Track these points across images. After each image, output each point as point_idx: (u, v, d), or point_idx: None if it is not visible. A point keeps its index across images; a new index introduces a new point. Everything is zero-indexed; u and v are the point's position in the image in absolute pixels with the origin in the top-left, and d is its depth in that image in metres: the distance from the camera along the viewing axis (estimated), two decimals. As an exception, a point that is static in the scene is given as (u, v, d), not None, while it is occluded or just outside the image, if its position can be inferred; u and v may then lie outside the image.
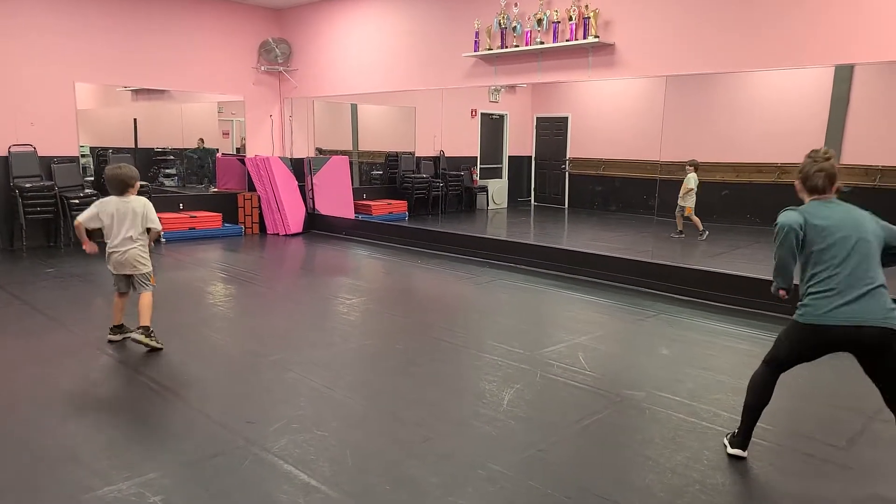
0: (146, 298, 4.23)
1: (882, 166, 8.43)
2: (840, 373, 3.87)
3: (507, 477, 2.72)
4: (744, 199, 9.72)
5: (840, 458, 2.95)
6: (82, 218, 4.25)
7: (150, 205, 4.29)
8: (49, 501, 2.49)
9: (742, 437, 2.94)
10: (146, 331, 4.15)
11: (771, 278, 2.84)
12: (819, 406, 3.58)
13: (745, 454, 2.92)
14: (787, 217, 2.72)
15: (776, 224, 2.73)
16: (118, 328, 4.38)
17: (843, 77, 9.02)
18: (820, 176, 2.73)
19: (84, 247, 4.33)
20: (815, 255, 2.67)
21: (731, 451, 2.95)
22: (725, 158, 9.63)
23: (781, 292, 2.82)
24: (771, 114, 9.70)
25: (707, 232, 8.77)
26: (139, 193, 4.36)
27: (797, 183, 2.83)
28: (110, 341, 4.36)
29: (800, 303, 2.72)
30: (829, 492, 2.68)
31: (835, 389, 3.77)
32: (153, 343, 4.16)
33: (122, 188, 4.20)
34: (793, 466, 2.89)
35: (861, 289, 2.57)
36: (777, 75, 8.84)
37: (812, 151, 2.81)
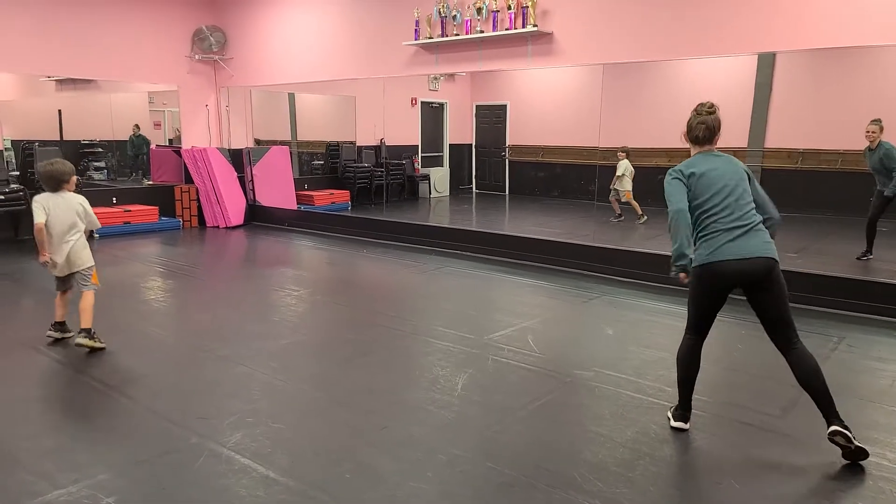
0: (87, 299, 4.07)
1: (803, 149, 8.89)
2: (768, 346, 4.10)
3: (465, 460, 2.78)
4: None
5: (777, 426, 3.14)
6: (41, 219, 3.95)
7: (87, 202, 4.12)
8: (-7, 509, 2.39)
9: (682, 410, 3.09)
10: (88, 333, 4.00)
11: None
12: (752, 378, 3.78)
13: (687, 426, 3.07)
14: (669, 171, 2.97)
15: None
16: (59, 325, 4.20)
17: (766, 64, 9.46)
18: (701, 128, 2.96)
19: (42, 258, 4.01)
20: (702, 203, 2.89)
21: (673, 424, 3.09)
22: (659, 144, 9.95)
23: (682, 276, 2.94)
24: (700, 100, 10.04)
25: (646, 217, 9.05)
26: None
27: (683, 134, 3.05)
28: (49, 338, 4.18)
29: (693, 251, 2.91)
30: (770, 458, 2.84)
31: (765, 362, 3.97)
32: (96, 345, 4.01)
33: (55, 184, 4.02)
34: (733, 436, 3.05)
35: (743, 228, 2.82)
36: (705, 63, 9.18)
37: (698, 105, 3.02)
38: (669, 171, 2.96)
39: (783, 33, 5.23)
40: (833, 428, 2.71)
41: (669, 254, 2.94)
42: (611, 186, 9.21)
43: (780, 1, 5.20)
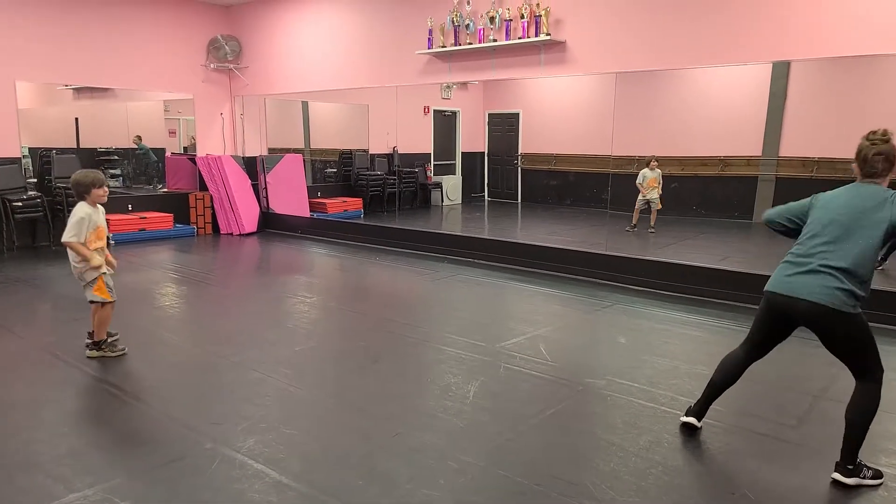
0: (97, 312, 4.06)
1: (818, 158, 8.83)
2: (785, 356, 4.07)
3: (477, 467, 2.78)
4: (690, 191, 10.04)
5: (792, 437, 3.11)
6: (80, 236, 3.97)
7: (77, 212, 3.94)
8: (11, 512, 2.42)
9: (699, 408, 3.07)
10: (96, 345, 4.05)
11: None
12: (767, 388, 3.75)
13: (698, 425, 3.05)
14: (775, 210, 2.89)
15: None
16: (90, 335, 4.21)
17: (781, 73, 9.42)
18: (878, 160, 2.63)
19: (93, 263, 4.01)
20: (805, 227, 2.75)
21: (684, 418, 3.08)
22: (672, 152, 9.92)
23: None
24: (714, 109, 10.04)
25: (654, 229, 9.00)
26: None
27: (854, 166, 2.73)
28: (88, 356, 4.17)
29: None
30: (785, 468, 2.82)
31: (780, 372, 3.95)
32: (106, 354, 4.04)
33: (76, 194, 4.05)
34: (748, 446, 3.03)
35: (809, 266, 2.62)
36: (719, 72, 9.17)
37: (869, 133, 2.68)
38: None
39: (798, 42, 5.22)
40: (833, 475, 2.67)
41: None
42: (646, 196, 9.03)
43: (796, 9, 5.19)
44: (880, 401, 2.65)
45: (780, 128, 9.47)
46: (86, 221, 3.94)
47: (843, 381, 2.87)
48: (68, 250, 3.99)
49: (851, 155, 2.76)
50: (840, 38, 5.02)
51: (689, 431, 3.08)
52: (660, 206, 8.99)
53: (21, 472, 2.70)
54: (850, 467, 2.65)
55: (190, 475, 2.69)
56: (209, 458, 2.82)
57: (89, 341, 4.09)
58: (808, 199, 2.81)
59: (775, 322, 2.81)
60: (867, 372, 2.66)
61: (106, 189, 4.07)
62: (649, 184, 8.96)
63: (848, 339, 2.63)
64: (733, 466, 2.85)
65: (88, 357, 4.04)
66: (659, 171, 8.98)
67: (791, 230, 2.83)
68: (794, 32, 5.22)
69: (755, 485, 2.66)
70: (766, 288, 2.78)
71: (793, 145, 9.31)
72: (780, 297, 2.69)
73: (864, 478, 2.65)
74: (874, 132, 2.68)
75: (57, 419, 3.28)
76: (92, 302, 4.07)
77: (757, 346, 2.93)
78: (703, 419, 3.11)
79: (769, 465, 2.84)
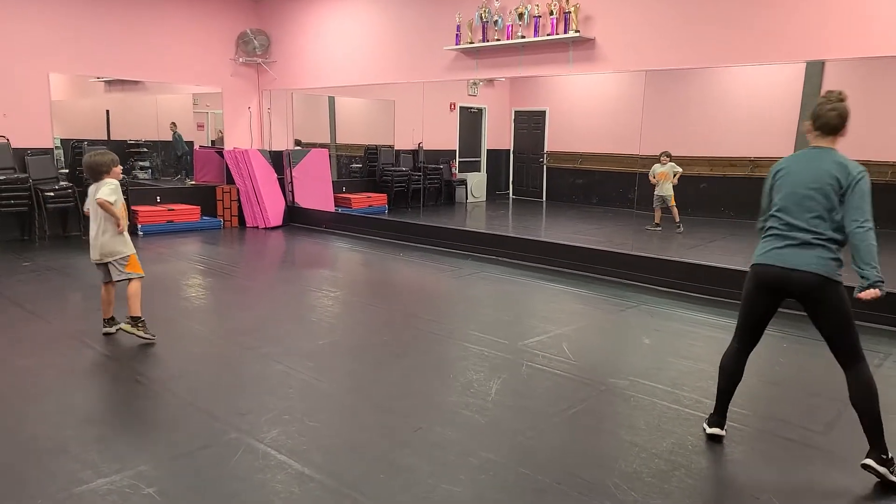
0: (131, 288, 4.20)
1: (854, 160, 8.65)
2: (813, 360, 4.00)
3: (498, 464, 2.77)
4: (718, 192, 9.90)
5: (819, 442, 3.06)
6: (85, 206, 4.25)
7: (109, 183, 4.10)
8: (41, 494, 2.47)
9: (718, 416, 3.03)
10: (134, 321, 4.15)
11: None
12: (795, 393, 3.69)
13: (723, 433, 3.01)
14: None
15: None
16: (110, 321, 4.34)
17: (814, 73, 9.21)
18: (832, 115, 2.70)
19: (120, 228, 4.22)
20: (776, 202, 2.79)
21: (709, 430, 3.04)
22: (700, 152, 9.79)
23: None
24: (744, 109, 9.88)
25: (682, 225, 8.89)
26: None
27: (807, 125, 2.77)
28: (106, 334, 4.33)
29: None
30: (811, 474, 2.78)
31: (809, 377, 3.89)
32: (141, 333, 4.13)
33: (93, 175, 4.16)
34: (774, 451, 2.98)
35: (798, 240, 2.68)
36: (750, 71, 9.01)
37: (827, 92, 2.76)
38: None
39: (833, 41, 5.11)
40: (863, 461, 2.64)
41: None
42: (664, 194, 8.93)
43: (831, 8, 5.08)
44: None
45: (813, 129, 9.29)
46: (118, 191, 4.13)
47: (875, 388, 2.81)
48: (101, 235, 4.11)
49: (887, 157, 2.73)
50: (876, 38, 4.90)
51: (712, 440, 3.03)
52: (672, 203, 8.88)
53: (51, 456, 2.76)
54: (884, 457, 2.63)
55: (214, 464, 2.72)
56: (233, 447, 2.85)
57: (127, 319, 4.20)
58: (768, 179, 2.86)
59: (765, 296, 2.82)
60: (853, 350, 2.70)
61: (120, 167, 4.26)
62: (659, 177, 8.85)
63: (837, 311, 2.67)
64: (758, 471, 2.80)
65: (122, 329, 4.16)
66: (672, 164, 8.86)
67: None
68: (828, 31, 5.11)
69: (780, 491, 2.62)
70: (755, 262, 2.80)
71: (825, 146, 9.12)
72: (774, 268, 2.73)
73: (893, 472, 2.62)
74: (831, 92, 2.76)
75: (85, 406, 3.34)
76: (120, 280, 4.20)
77: (750, 331, 2.93)
78: (729, 423, 3.07)
79: (795, 471, 2.80)
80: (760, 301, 2.84)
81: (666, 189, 8.86)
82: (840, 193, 2.64)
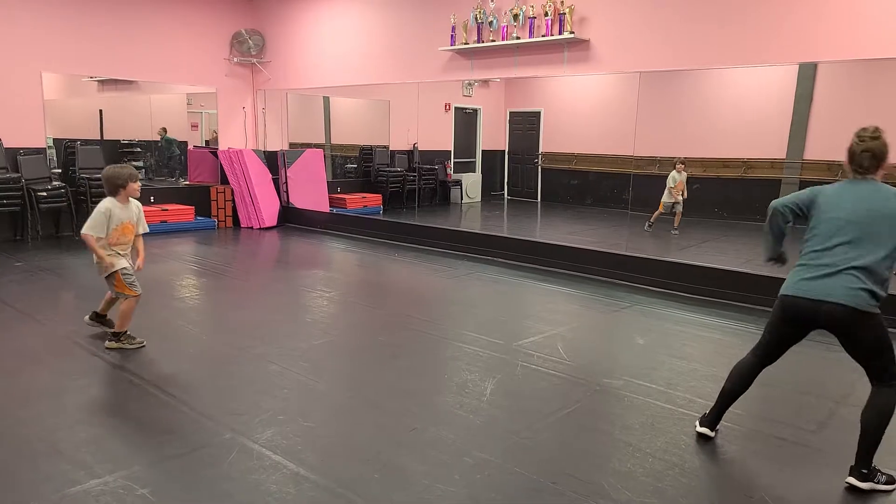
0: (121, 305, 4.12)
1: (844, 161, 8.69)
2: (806, 361, 4.02)
3: (493, 464, 2.78)
4: (711, 193, 9.94)
5: (812, 442, 3.07)
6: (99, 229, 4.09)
7: (99, 206, 4.06)
8: (35, 495, 2.46)
9: (712, 418, 3.04)
10: (114, 336, 4.11)
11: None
12: (787, 392, 3.71)
13: (712, 434, 3.03)
14: (781, 199, 2.85)
15: None
16: (97, 315, 4.34)
17: (807, 75, 9.28)
18: (866, 156, 2.64)
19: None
20: (811, 228, 2.73)
21: (699, 429, 3.05)
22: (694, 153, 9.83)
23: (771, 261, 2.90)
24: (737, 110, 9.93)
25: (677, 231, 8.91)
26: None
27: (844, 163, 2.74)
28: (88, 322, 4.35)
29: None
30: (803, 473, 2.79)
31: (801, 377, 3.90)
32: (124, 346, 4.09)
33: (109, 189, 4.12)
34: (767, 450, 3.00)
35: (831, 269, 2.60)
36: (744, 73, 9.07)
37: (860, 130, 2.70)
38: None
39: (826, 43, 5.14)
40: (848, 480, 2.64)
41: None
42: (671, 199, 8.88)
43: (824, 10, 5.11)
44: None
45: (806, 130, 9.35)
46: (107, 216, 4.01)
47: (865, 388, 2.82)
48: (101, 245, 4.07)
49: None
50: (869, 40, 4.94)
51: (703, 440, 3.05)
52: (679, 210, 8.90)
53: (44, 458, 2.75)
54: (864, 472, 2.62)
55: (208, 465, 2.72)
56: (227, 448, 2.85)
57: (109, 337, 4.15)
58: (808, 191, 2.80)
59: (793, 326, 2.77)
60: (885, 374, 2.63)
61: (139, 183, 4.20)
62: (679, 187, 8.80)
63: (869, 340, 2.61)
64: (751, 470, 2.82)
65: (107, 348, 4.10)
66: (685, 174, 8.84)
67: (798, 217, 2.83)
68: (822, 33, 5.14)
69: (773, 489, 2.64)
70: (783, 292, 2.75)
71: (818, 148, 9.18)
72: (802, 300, 2.66)
73: (878, 483, 2.62)
74: (865, 129, 2.69)
75: (78, 407, 3.33)
76: (118, 296, 4.15)
77: (770, 352, 2.90)
78: (721, 423, 3.09)
79: (788, 469, 2.81)
80: (787, 330, 2.81)
81: (681, 197, 8.81)
82: None
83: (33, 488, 2.51)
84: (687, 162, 9.10)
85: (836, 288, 2.58)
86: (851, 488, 2.64)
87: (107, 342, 4.13)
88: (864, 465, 2.63)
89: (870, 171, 2.66)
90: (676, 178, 8.80)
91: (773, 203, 2.86)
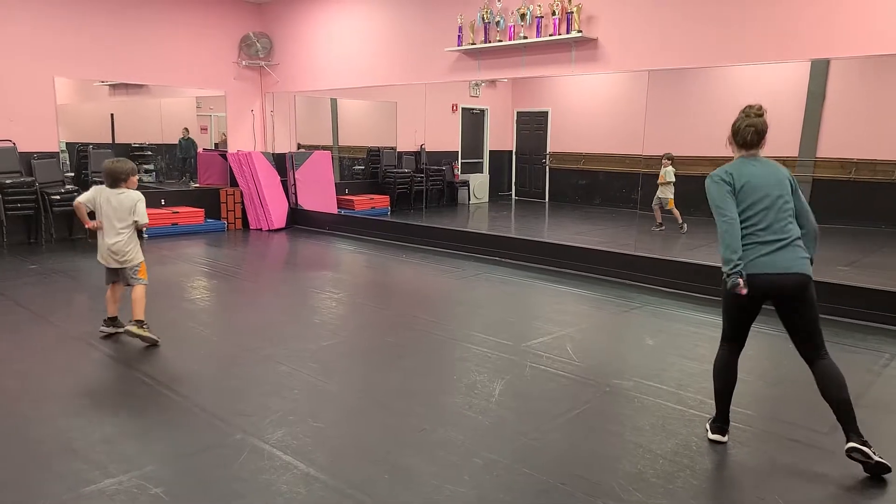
0: (138, 292, 4.23)
1: (857, 159, 8.63)
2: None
3: (502, 465, 2.78)
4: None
5: (824, 444, 3.05)
6: (82, 198, 4.28)
7: (142, 199, 4.27)
8: (50, 495, 2.49)
9: (720, 423, 3.03)
10: (139, 324, 4.16)
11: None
12: (799, 394, 3.68)
13: (725, 439, 3.01)
14: (712, 174, 2.90)
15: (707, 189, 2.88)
16: (111, 321, 4.38)
17: (819, 72, 9.21)
18: (749, 131, 2.87)
19: (87, 225, 4.31)
20: (742, 212, 2.82)
21: (711, 436, 3.04)
22: (704, 152, 9.77)
23: (741, 281, 2.71)
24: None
25: (686, 224, 8.89)
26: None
27: (728, 137, 2.96)
28: (102, 333, 4.36)
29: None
30: (815, 475, 2.77)
31: (813, 378, 3.87)
32: (147, 334, 4.15)
33: (112, 181, 4.21)
34: (778, 451, 2.98)
35: (780, 242, 2.76)
36: (755, 70, 8.99)
37: (746, 107, 2.94)
38: (712, 174, 2.89)
39: (839, 39, 5.10)
40: (850, 445, 2.69)
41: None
42: (658, 195, 9.01)
43: (837, 6, 5.07)
44: None
45: (818, 128, 9.27)
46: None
47: (879, 388, 2.80)
48: (128, 234, 4.18)
49: (892, 156, 2.75)
50: (883, 36, 4.90)
51: (717, 443, 3.03)
52: (671, 206, 8.93)
53: (58, 458, 2.78)
54: (864, 438, 2.70)
55: (220, 465, 2.74)
56: (238, 448, 2.87)
57: (132, 322, 4.21)
58: (719, 184, 2.86)
59: (755, 303, 2.86)
60: (821, 341, 2.83)
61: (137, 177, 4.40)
62: (660, 179, 8.95)
63: (816, 305, 2.83)
64: (763, 472, 2.81)
65: (127, 331, 4.17)
66: (668, 168, 8.90)
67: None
68: (834, 29, 5.10)
69: (786, 491, 2.62)
70: (748, 271, 2.76)
71: (831, 146, 9.10)
72: (768, 275, 2.76)
73: (874, 452, 2.69)
74: (751, 106, 2.94)
75: (91, 407, 3.36)
76: (135, 284, 4.25)
77: (739, 336, 2.98)
78: (732, 424, 3.07)
79: (800, 472, 2.80)
80: (753, 307, 2.90)
81: (665, 192, 8.91)
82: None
83: (48, 487, 2.53)
84: (698, 161, 9.08)
85: (795, 259, 2.77)
86: (868, 482, 2.64)
87: (127, 328, 4.19)
88: (858, 431, 2.71)
89: (752, 146, 2.90)
90: (661, 172, 8.92)
91: (731, 216, 2.82)
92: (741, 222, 2.81)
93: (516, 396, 3.54)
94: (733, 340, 2.99)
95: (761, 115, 2.89)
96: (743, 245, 2.80)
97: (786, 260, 2.76)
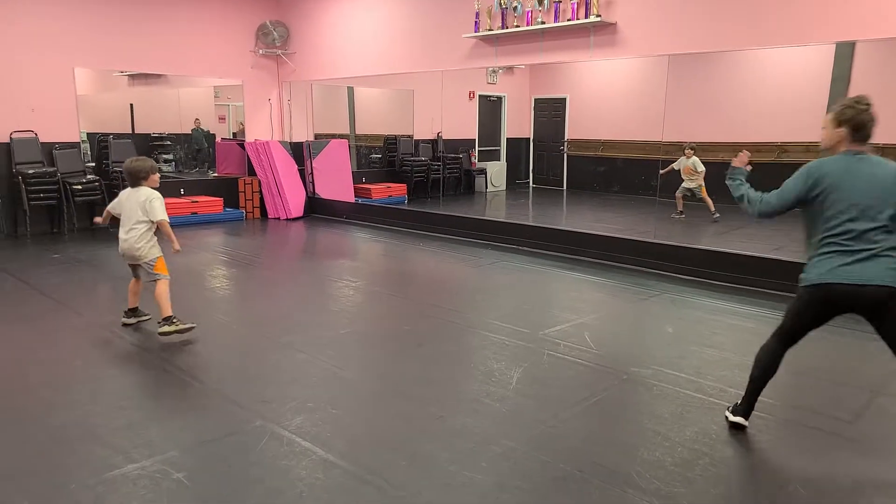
0: (159, 288, 4.22)
1: (883, 144, 8.43)
2: (842, 349, 3.94)
3: (519, 452, 2.78)
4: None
5: (847, 432, 3.01)
6: (109, 206, 4.43)
7: (158, 197, 4.26)
8: (74, 479, 2.53)
9: (745, 406, 2.99)
10: (167, 321, 4.15)
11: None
12: (823, 381, 3.64)
13: (746, 423, 2.98)
14: (810, 163, 2.74)
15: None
16: (132, 311, 4.44)
17: (844, 55, 8.99)
18: (871, 123, 2.67)
19: (96, 219, 4.49)
20: (828, 217, 2.67)
21: (732, 418, 3.01)
22: (726, 138, 9.64)
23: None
24: (771, 93, 9.69)
25: (718, 214, 8.76)
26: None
27: (829, 122, 2.75)
28: (124, 324, 4.41)
29: (806, 265, 2.76)
30: (837, 464, 2.74)
31: (837, 365, 3.83)
32: (179, 327, 4.15)
33: (133, 180, 4.29)
34: (800, 440, 2.95)
35: (866, 252, 2.59)
36: (777, 54, 8.83)
37: (858, 96, 2.73)
38: (810, 163, 2.74)
39: (865, 20, 4.98)
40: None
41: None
42: (685, 185, 8.87)
43: (859, -12, 4.96)
44: None
45: (842, 113, 9.08)
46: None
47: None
48: (141, 231, 4.19)
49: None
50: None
51: (734, 429, 3.01)
52: (703, 195, 8.78)
53: (82, 443, 2.83)
54: None
55: (240, 451, 2.77)
56: (258, 435, 2.90)
57: (161, 323, 4.19)
58: (802, 176, 2.75)
59: (826, 312, 2.73)
60: None
61: (158, 175, 4.44)
62: (685, 172, 8.76)
63: None
64: (783, 460, 2.78)
65: (161, 334, 4.12)
66: (695, 159, 8.77)
67: (790, 209, 2.82)
68: (860, 10, 4.98)
69: (807, 481, 2.59)
70: (819, 280, 2.67)
71: (855, 131, 8.92)
72: (843, 286, 2.61)
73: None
74: (859, 99, 2.71)
75: (114, 394, 3.41)
76: (155, 280, 4.26)
77: (796, 337, 2.87)
78: (753, 413, 3.04)
79: (822, 460, 2.76)
80: (827, 316, 2.76)
81: (691, 183, 8.77)
82: None
83: (73, 472, 2.58)
84: (720, 147, 8.94)
85: (879, 270, 2.57)
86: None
87: (160, 330, 4.15)
88: None
89: (864, 140, 2.68)
90: (683, 164, 8.74)
91: (770, 201, 2.81)
92: (828, 228, 2.67)
93: (534, 384, 3.54)
94: (788, 339, 2.88)
95: (868, 109, 2.70)
96: (825, 252, 2.67)
97: (866, 270, 2.58)
